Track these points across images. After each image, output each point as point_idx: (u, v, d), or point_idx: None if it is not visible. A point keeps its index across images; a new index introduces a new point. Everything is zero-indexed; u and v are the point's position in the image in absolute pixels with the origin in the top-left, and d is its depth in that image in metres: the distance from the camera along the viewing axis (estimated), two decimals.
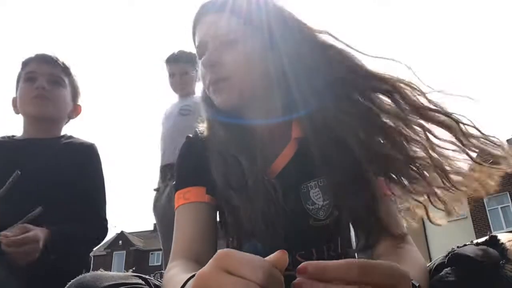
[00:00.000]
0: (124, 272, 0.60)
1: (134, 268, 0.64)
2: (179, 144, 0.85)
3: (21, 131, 1.30)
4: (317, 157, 0.71)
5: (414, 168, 0.66)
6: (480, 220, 12.72)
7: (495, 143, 0.65)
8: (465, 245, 0.58)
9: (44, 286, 0.93)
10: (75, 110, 1.38)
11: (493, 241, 0.56)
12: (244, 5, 0.74)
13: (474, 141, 0.64)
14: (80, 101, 1.39)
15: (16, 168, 1.16)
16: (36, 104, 1.23)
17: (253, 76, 0.74)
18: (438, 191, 0.66)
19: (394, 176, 0.68)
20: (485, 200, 12.47)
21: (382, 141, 0.69)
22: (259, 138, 0.77)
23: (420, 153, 0.66)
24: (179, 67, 2.33)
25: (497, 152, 0.64)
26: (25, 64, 1.28)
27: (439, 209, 0.67)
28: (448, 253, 0.57)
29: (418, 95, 0.66)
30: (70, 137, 1.32)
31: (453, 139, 0.64)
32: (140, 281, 0.58)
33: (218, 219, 0.77)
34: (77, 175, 1.20)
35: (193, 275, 0.50)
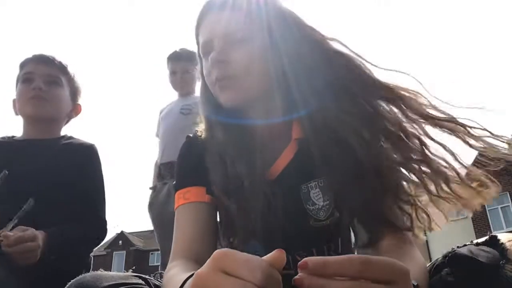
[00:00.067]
0: (124, 272, 0.60)
1: (134, 268, 0.64)
2: (180, 143, 0.85)
3: (21, 132, 1.30)
4: (317, 157, 0.71)
5: (412, 172, 0.68)
6: (480, 220, 12.72)
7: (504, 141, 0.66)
8: (465, 245, 0.58)
9: (44, 286, 0.93)
10: (75, 110, 1.37)
11: (493, 241, 0.56)
12: (249, 3, 0.74)
13: (481, 142, 0.65)
14: (80, 101, 1.39)
15: (16, 169, 1.16)
16: (33, 105, 1.23)
17: (259, 75, 0.74)
18: (425, 202, 0.69)
19: (392, 178, 0.68)
20: None
21: (382, 143, 0.69)
22: (259, 138, 0.77)
23: (417, 159, 0.68)
24: (181, 65, 2.33)
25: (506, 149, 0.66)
26: (23, 65, 1.28)
27: (420, 224, 0.69)
28: (448, 253, 0.58)
29: (424, 104, 0.68)
30: (70, 137, 1.32)
31: (458, 142, 0.66)
32: (140, 281, 0.58)
33: (218, 219, 0.77)
34: (76, 176, 1.20)
35: (192, 275, 0.50)
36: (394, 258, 0.40)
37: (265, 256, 0.37)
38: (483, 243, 0.56)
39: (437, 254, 0.62)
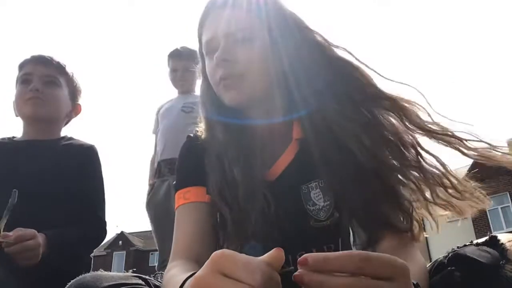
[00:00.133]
0: (124, 272, 0.60)
1: (134, 269, 0.63)
2: (181, 141, 0.85)
3: (21, 133, 1.30)
4: (317, 157, 0.71)
5: (408, 179, 0.69)
6: (480, 220, 12.72)
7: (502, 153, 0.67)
8: (465, 245, 0.58)
9: (44, 287, 0.93)
10: (75, 110, 1.37)
11: (493, 242, 0.56)
12: (253, 3, 0.74)
13: (476, 152, 0.67)
14: (80, 100, 1.38)
15: (16, 170, 1.16)
16: (30, 105, 1.22)
17: (263, 75, 0.74)
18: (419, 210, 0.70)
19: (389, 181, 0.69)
20: None
21: (381, 147, 0.70)
22: (259, 138, 0.77)
23: (413, 166, 0.69)
24: (182, 63, 2.33)
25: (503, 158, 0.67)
26: (21, 66, 1.28)
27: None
28: (448, 254, 0.58)
29: (423, 116, 0.69)
30: (70, 138, 1.32)
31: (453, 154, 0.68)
32: (140, 281, 0.58)
33: (218, 219, 0.77)
34: (76, 177, 1.20)
35: (191, 275, 0.50)
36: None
37: (263, 256, 0.37)
38: (483, 244, 0.57)
39: (437, 254, 0.62)
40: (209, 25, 0.77)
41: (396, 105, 0.70)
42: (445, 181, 0.67)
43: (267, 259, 0.37)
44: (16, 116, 1.29)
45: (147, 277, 0.62)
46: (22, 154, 1.21)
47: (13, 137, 1.30)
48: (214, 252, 0.38)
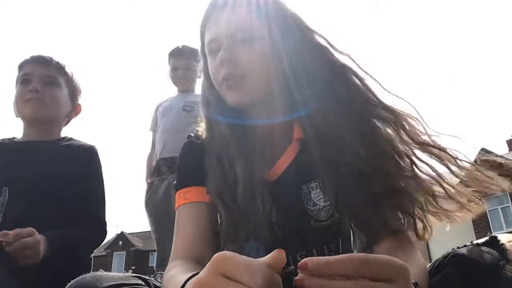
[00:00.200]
0: (124, 272, 0.60)
1: (133, 268, 0.64)
2: (182, 140, 0.85)
3: (22, 133, 1.30)
4: (317, 158, 0.71)
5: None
6: (480, 220, 12.70)
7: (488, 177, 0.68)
8: (465, 245, 0.58)
9: (44, 287, 0.92)
10: (75, 110, 1.37)
11: (493, 242, 0.56)
12: (257, 3, 0.74)
13: (465, 173, 0.68)
14: (80, 100, 1.38)
15: (16, 170, 1.16)
16: (30, 107, 1.22)
17: (266, 75, 0.74)
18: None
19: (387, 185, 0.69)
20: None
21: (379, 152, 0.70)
22: (259, 138, 0.77)
23: (407, 175, 0.69)
24: (183, 61, 2.33)
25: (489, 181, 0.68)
26: (21, 66, 1.28)
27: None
28: (448, 254, 0.58)
29: (419, 131, 0.70)
30: (70, 139, 1.32)
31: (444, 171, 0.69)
32: (140, 281, 0.58)
33: (219, 219, 0.77)
34: (76, 178, 1.20)
35: (192, 275, 0.50)
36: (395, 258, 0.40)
37: (265, 257, 0.37)
38: (483, 244, 0.57)
39: (437, 254, 0.62)
40: (212, 25, 0.77)
41: (394, 116, 0.71)
42: (440, 189, 0.68)
43: (268, 260, 0.37)
44: (16, 116, 1.29)
45: (147, 277, 0.62)
46: (22, 155, 1.21)
47: (13, 137, 1.30)
48: (216, 254, 0.38)
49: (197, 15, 0.81)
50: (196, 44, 0.84)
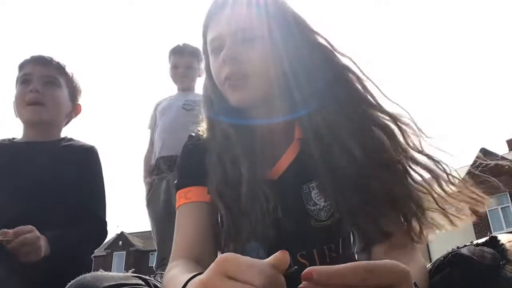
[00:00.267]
0: (124, 272, 0.60)
1: (134, 270, 0.63)
2: (181, 139, 0.85)
3: (21, 134, 1.29)
4: (317, 157, 0.71)
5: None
6: (480, 220, 12.70)
7: (476, 194, 0.68)
8: (465, 245, 0.58)
9: (44, 287, 0.92)
10: (75, 110, 1.37)
11: (493, 242, 0.56)
12: (260, 2, 0.74)
13: (453, 187, 0.69)
14: (80, 100, 1.38)
15: (16, 171, 1.16)
16: (31, 111, 1.22)
17: (268, 75, 0.74)
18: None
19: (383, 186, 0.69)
20: None
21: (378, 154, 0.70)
22: (260, 138, 0.77)
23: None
24: (184, 60, 2.32)
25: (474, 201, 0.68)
26: (21, 66, 1.27)
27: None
28: (448, 254, 0.58)
29: (413, 141, 0.70)
30: (70, 139, 1.32)
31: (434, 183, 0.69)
32: (140, 281, 0.58)
33: (219, 219, 0.77)
34: (77, 178, 1.20)
35: (193, 276, 0.50)
36: (395, 259, 0.40)
37: (268, 258, 0.37)
38: (483, 244, 0.56)
39: (437, 254, 0.62)
40: (215, 24, 0.77)
41: (392, 121, 0.71)
42: (430, 199, 0.68)
43: (272, 261, 0.37)
44: (16, 117, 1.29)
45: (147, 277, 0.62)
46: (22, 155, 1.21)
47: (13, 138, 1.29)
48: (220, 256, 0.38)
49: (197, 14, 0.81)
50: (196, 43, 0.84)
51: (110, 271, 0.58)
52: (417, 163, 0.69)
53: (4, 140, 1.28)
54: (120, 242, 24.23)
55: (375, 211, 0.67)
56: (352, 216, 0.71)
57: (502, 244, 0.55)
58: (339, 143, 0.69)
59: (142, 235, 25.13)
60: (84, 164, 1.25)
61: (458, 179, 0.69)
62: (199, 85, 2.41)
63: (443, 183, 0.68)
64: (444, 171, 0.69)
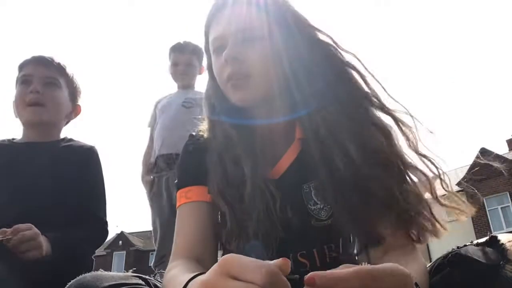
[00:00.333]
0: (124, 272, 0.60)
1: (134, 269, 0.63)
2: (181, 136, 0.85)
3: (21, 134, 1.29)
4: (317, 157, 0.71)
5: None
6: (480, 220, 12.71)
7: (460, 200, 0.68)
8: (465, 245, 0.58)
9: (44, 287, 0.92)
10: (75, 111, 1.37)
11: (493, 242, 0.56)
12: (262, 1, 0.74)
13: (444, 199, 0.69)
14: (80, 101, 1.38)
15: (16, 172, 1.16)
16: (31, 111, 1.22)
17: (270, 75, 0.74)
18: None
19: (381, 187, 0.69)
20: (485, 200, 12.48)
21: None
22: (261, 137, 0.77)
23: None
24: (184, 57, 2.31)
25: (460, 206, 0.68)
26: (21, 67, 1.27)
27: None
28: (448, 254, 0.58)
29: (411, 142, 0.70)
30: (70, 140, 1.32)
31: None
32: (140, 281, 0.58)
33: (219, 219, 0.77)
34: (77, 178, 1.20)
35: (194, 277, 0.50)
36: (395, 259, 0.41)
37: (271, 262, 0.37)
38: (483, 244, 0.57)
39: (437, 254, 0.62)
40: (216, 24, 0.77)
41: (394, 121, 0.71)
42: (422, 207, 0.68)
43: (275, 264, 0.37)
44: (16, 117, 1.29)
45: (147, 277, 0.62)
46: (22, 156, 1.21)
47: (13, 139, 1.29)
48: (223, 257, 0.38)
49: (197, 13, 0.81)
50: (196, 41, 0.84)
51: (110, 271, 0.58)
52: (413, 165, 0.69)
53: (4, 140, 1.27)
54: (120, 242, 24.23)
55: (375, 211, 0.67)
56: (352, 216, 0.70)
57: (502, 244, 0.55)
58: (339, 144, 0.69)
59: (142, 235, 25.13)
60: (84, 164, 1.25)
61: (447, 185, 0.69)
62: (199, 83, 2.41)
63: (432, 189, 0.68)
64: (440, 177, 0.69)
